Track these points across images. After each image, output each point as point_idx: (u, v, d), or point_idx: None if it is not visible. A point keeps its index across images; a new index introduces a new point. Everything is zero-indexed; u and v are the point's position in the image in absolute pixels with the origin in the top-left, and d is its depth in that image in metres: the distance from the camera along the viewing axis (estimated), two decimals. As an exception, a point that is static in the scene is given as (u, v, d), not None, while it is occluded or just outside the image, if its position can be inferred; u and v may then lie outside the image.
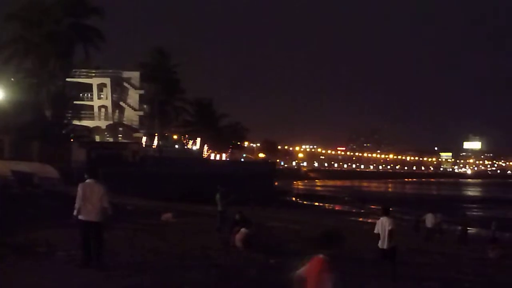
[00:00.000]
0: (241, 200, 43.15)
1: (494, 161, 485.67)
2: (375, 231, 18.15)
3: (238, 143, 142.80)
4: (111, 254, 17.33)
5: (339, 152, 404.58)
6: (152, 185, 69.08)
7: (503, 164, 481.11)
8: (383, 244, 17.87)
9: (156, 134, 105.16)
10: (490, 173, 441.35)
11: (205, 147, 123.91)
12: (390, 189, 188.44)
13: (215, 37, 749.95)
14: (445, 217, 46.67)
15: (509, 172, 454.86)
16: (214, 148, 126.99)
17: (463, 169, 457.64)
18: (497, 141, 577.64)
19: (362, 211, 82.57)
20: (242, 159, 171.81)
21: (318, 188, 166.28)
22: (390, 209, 19.30)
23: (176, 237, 24.88)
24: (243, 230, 22.67)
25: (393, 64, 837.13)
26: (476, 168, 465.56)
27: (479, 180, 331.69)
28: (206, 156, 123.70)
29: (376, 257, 18.48)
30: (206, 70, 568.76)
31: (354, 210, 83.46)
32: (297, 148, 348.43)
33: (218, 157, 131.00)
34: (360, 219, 64.35)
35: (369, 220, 64.00)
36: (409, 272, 19.77)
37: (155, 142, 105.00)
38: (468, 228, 44.00)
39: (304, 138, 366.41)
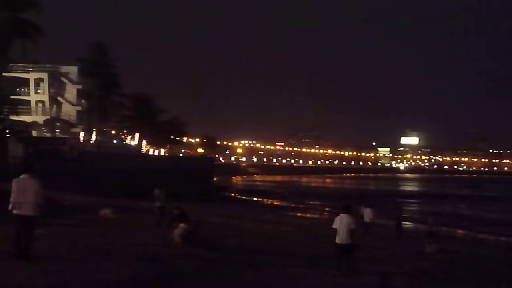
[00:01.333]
0: (179, 195, 43.00)
1: (431, 156, 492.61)
2: (333, 226, 18.45)
3: (177, 138, 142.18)
4: (48, 250, 17.08)
5: (278, 147, 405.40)
6: (90, 181, 68.50)
7: (440, 159, 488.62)
8: (341, 239, 18.21)
9: (94, 129, 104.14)
10: (427, 168, 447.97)
11: (144, 142, 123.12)
12: (329, 184, 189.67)
13: (155, 33, 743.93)
14: (382, 212, 47.16)
15: (446, 167, 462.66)
16: (153, 143, 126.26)
17: (400, 164, 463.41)
18: (434, 136, 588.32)
19: (301, 206, 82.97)
20: (181, 155, 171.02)
21: (257, 184, 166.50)
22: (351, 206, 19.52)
23: (114, 233, 24.65)
24: (182, 225, 22.54)
25: (332, 60, 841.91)
26: (413, 163, 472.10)
27: (416, 175, 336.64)
28: (144, 151, 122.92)
29: (335, 252, 18.72)
30: (145, 65, 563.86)
31: (293, 205, 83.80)
32: (236, 144, 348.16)
33: (157, 153, 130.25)
34: (299, 214, 64.63)
35: (308, 215, 64.43)
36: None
37: (93, 137, 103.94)
38: (403, 223, 44.44)
39: (243, 134, 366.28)
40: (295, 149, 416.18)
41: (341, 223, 18.33)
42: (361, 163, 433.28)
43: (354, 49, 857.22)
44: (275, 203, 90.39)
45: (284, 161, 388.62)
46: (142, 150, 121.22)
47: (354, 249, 18.50)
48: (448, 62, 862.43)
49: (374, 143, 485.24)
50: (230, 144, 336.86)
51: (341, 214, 18.65)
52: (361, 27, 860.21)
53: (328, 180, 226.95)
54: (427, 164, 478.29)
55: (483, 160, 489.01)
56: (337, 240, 18.29)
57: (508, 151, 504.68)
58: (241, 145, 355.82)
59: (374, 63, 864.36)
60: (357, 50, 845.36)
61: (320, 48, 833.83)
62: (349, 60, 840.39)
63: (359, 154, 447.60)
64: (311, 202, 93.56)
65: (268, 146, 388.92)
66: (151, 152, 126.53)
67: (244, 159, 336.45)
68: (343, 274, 17.98)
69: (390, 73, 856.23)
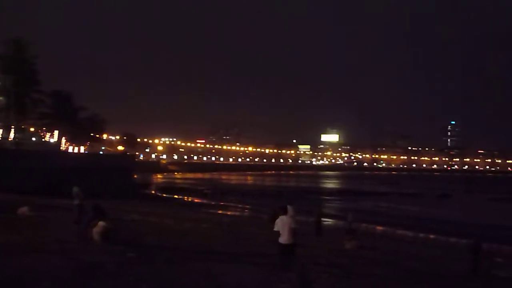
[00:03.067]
0: (99, 193, 42.53)
1: (351, 154, 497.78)
2: (275, 229, 18.87)
3: (97, 135, 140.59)
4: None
5: (199, 145, 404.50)
6: (8, 178, 67.21)
7: (360, 156, 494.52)
8: (284, 240, 18.63)
9: (12, 126, 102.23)
10: (346, 165, 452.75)
11: (63, 140, 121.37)
12: (249, 182, 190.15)
13: (76, 31, 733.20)
14: (303, 209, 47.49)
15: (365, 164, 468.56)
16: (72, 140, 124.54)
17: (321, 161, 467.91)
18: (355, 134, 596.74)
19: (222, 203, 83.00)
20: (101, 152, 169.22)
21: (178, 181, 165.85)
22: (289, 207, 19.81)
23: (32, 231, 24.28)
24: (100, 223, 22.33)
25: (253, 57, 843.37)
26: (333, 161, 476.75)
27: (336, 172, 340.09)
28: (64, 149, 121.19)
29: (277, 251, 18.99)
30: (65, 62, 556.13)
31: (213, 203, 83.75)
32: (156, 141, 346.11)
33: (76, 150, 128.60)
34: (220, 212, 64.67)
35: (229, 213, 64.54)
36: (270, 265, 19.97)
37: (12, 135, 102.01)
38: (323, 220, 44.84)
39: (164, 131, 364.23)
40: (216, 146, 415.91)
41: (282, 224, 18.80)
42: (281, 160, 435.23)
43: (274, 46, 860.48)
44: (196, 200, 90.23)
45: (205, 158, 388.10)
46: (61, 148, 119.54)
47: (296, 248, 18.87)
48: (368, 61, 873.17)
49: (294, 141, 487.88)
50: (150, 141, 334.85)
51: (280, 216, 19.06)
52: (282, 23, 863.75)
53: (248, 177, 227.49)
54: (347, 161, 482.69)
55: (402, 157, 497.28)
56: (281, 240, 18.71)
57: (427, 149, 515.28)
58: (161, 142, 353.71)
59: (295, 60, 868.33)
60: (278, 47, 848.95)
61: (241, 45, 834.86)
62: (270, 56, 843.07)
63: (279, 151, 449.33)
64: (231, 199, 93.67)
65: (189, 144, 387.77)
66: (71, 150, 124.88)
67: (164, 156, 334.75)
68: (284, 271, 18.25)
69: (310, 70, 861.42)
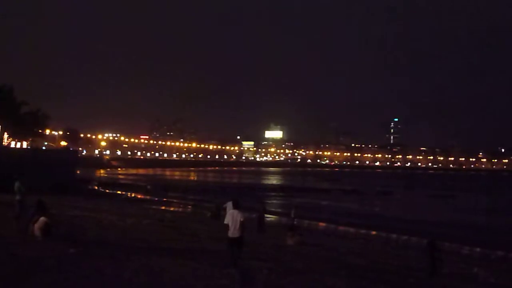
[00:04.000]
0: (40, 188, 42.09)
1: (295, 150, 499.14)
2: (225, 222, 19.37)
3: (40, 131, 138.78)
4: None
5: (142, 140, 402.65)
6: None
7: (303, 153, 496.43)
8: (233, 233, 19.12)
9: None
10: (289, 161, 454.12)
11: (5, 135, 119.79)
12: (192, 178, 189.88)
13: (18, 22, 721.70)
14: (245, 205, 47.52)
15: (309, 160, 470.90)
16: (14, 136, 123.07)
17: (264, 158, 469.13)
18: (298, 130, 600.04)
19: (164, 199, 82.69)
20: (44, 147, 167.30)
21: (121, 177, 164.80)
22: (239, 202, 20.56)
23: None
24: (42, 219, 22.16)
25: (196, 54, 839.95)
26: (277, 157, 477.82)
27: (279, 169, 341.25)
28: (6, 144, 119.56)
29: (226, 245, 19.58)
30: (5, 56, 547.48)
31: (156, 199, 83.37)
32: (99, 137, 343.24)
33: (19, 145, 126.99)
34: (162, 208, 64.43)
35: (171, 209, 64.37)
36: (211, 260, 20.04)
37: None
38: (266, 216, 44.95)
39: (107, 127, 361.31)
40: (160, 142, 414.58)
41: (232, 218, 19.23)
42: (225, 156, 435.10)
43: (217, 42, 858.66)
44: (138, 196, 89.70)
45: (148, 154, 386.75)
46: (3, 143, 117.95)
47: (243, 241, 19.41)
48: (312, 56, 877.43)
49: (238, 137, 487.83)
50: (93, 137, 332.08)
51: (231, 210, 19.73)
52: (220, 19, 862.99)
53: (192, 173, 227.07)
54: (291, 157, 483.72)
55: (345, 154, 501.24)
56: (229, 234, 19.16)
57: (370, 145, 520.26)
58: (104, 138, 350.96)
59: (239, 55, 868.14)
60: (220, 43, 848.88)
61: (185, 41, 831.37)
62: (213, 52, 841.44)
63: (223, 147, 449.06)
64: (174, 195, 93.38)
65: (132, 140, 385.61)
66: (13, 145, 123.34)
67: (107, 152, 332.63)
68: (233, 266, 18.69)
69: (253, 67, 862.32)
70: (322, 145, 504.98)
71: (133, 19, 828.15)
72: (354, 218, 66.12)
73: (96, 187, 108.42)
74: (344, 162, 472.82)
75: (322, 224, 56.79)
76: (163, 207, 65.52)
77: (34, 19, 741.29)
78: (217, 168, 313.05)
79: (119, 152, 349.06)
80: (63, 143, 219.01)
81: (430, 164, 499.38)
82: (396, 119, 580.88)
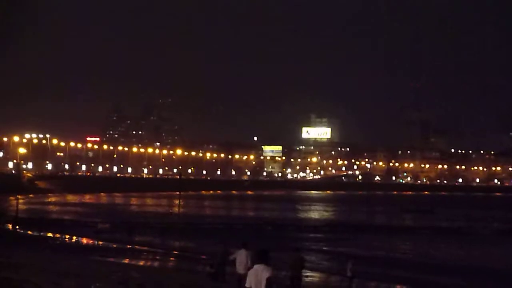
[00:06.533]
0: None
1: (354, 160, 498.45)
2: (247, 285, 19.04)
3: None
4: None
5: (89, 145, 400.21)
6: None
7: (368, 165, 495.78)
8: None
9: None
10: (345, 179, 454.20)
11: None
12: (177, 209, 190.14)
13: None
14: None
15: (377, 178, 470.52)
16: None
17: (301, 174, 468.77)
18: (357, 128, 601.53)
19: (129, 246, 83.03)
20: None
21: (54, 208, 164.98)
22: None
23: None
24: None
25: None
26: (322, 172, 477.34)
27: (327, 193, 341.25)
28: None
29: None
30: None
31: (114, 246, 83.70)
32: (15, 139, 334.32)
33: None
34: (126, 261, 64.69)
35: (141, 263, 64.54)
36: None
37: None
38: (304, 273, 44.87)
39: (30, 124, 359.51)
40: (120, 148, 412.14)
41: (255, 278, 18.92)
42: (233, 172, 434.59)
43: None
44: (84, 242, 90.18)
45: (100, 168, 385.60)
46: None
47: None
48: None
49: (256, 138, 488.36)
50: (4, 139, 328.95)
51: (255, 266, 19.21)
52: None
53: (175, 201, 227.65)
54: (347, 173, 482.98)
55: (440, 166, 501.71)
56: None
57: (482, 152, 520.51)
58: (25, 141, 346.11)
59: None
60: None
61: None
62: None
63: (229, 156, 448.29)
64: (146, 239, 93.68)
65: (72, 144, 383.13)
66: None
67: (30, 165, 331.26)
68: None
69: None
70: (400, 152, 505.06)
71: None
72: (457, 277, 66.15)
73: (11, 227, 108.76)
74: (439, 181, 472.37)
75: (399, 287, 56.95)
76: (126, 261, 65.86)
77: None
78: (219, 192, 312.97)
79: (49, 166, 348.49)
80: None
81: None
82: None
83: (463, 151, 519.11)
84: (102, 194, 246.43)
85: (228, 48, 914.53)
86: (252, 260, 19.57)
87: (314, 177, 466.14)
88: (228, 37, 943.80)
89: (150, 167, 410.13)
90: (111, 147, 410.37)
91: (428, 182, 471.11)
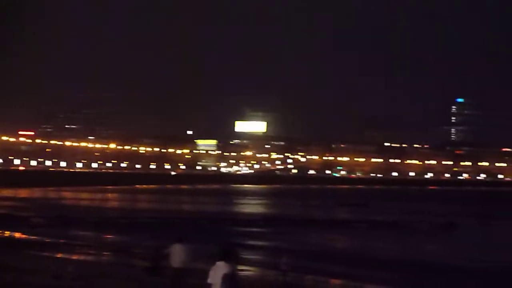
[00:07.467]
0: None
1: (288, 154, 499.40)
2: (209, 281, 19.87)
3: None
4: None
5: (22, 139, 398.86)
6: None
7: (303, 159, 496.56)
8: None
9: None
10: (279, 173, 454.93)
11: None
12: (113, 203, 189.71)
13: None
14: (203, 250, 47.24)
15: (312, 171, 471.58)
16: None
17: (236, 168, 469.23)
18: (292, 122, 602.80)
19: (63, 241, 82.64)
20: None
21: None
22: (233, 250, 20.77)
23: None
24: None
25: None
26: (258, 166, 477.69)
27: (263, 186, 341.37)
28: None
29: None
30: None
31: (48, 240, 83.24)
32: None
33: None
34: (59, 256, 64.30)
35: (75, 257, 64.20)
36: None
37: None
38: (240, 269, 44.67)
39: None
40: (53, 142, 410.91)
41: (216, 275, 19.77)
42: (168, 166, 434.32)
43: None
44: (17, 237, 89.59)
45: (33, 163, 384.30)
46: None
47: None
48: None
49: (190, 132, 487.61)
50: None
51: (217, 263, 19.97)
52: None
53: (111, 195, 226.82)
54: (282, 166, 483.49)
55: (374, 160, 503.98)
56: None
57: (416, 145, 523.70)
58: None
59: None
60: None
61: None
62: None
63: (164, 150, 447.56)
64: (81, 234, 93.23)
65: (4, 138, 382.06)
66: None
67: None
68: None
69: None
70: (334, 146, 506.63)
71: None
72: (391, 270, 66.41)
73: None
74: (374, 174, 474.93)
75: (336, 281, 57.07)
76: (60, 255, 65.44)
77: None
78: (154, 186, 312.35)
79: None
80: None
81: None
82: (460, 100, 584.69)
83: (398, 145, 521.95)
84: (36, 188, 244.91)
85: (165, 42, 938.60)
86: (218, 257, 19.53)
87: (248, 170, 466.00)
88: (163, 31, 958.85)
89: (85, 160, 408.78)
90: (45, 141, 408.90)
91: (362, 175, 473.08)
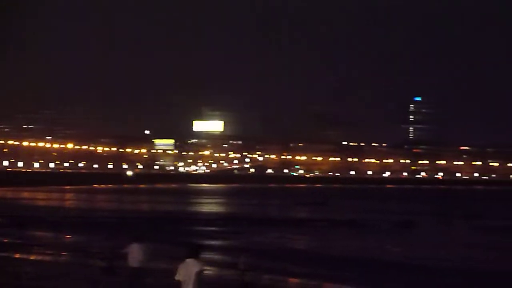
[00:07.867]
0: None
1: (246, 153, 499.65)
2: (176, 278, 19.71)
3: None
4: None
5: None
6: None
7: (260, 158, 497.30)
8: None
9: None
10: (237, 172, 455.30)
11: None
12: (70, 203, 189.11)
13: None
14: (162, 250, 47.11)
15: (270, 170, 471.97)
16: None
17: (194, 167, 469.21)
18: (249, 121, 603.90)
19: (19, 241, 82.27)
20: None
21: None
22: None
23: None
24: None
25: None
26: (215, 165, 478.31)
27: (221, 186, 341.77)
28: None
29: None
30: None
31: (5, 241, 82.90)
32: None
33: None
34: (16, 256, 64.02)
35: (32, 257, 63.86)
36: None
37: None
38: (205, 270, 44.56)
39: None
40: (10, 142, 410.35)
41: (187, 272, 19.56)
42: (125, 166, 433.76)
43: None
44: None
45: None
46: None
47: None
48: None
49: (147, 132, 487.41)
50: None
51: (186, 260, 19.85)
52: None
53: (68, 195, 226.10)
54: (239, 165, 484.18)
55: (333, 159, 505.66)
56: None
57: (374, 144, 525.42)
58: None
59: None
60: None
61: None
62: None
63: (122, 149, 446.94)
64: (38, 234, 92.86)
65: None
66: None
67: None
68: None
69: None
70: (292, 145, 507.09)
71: None
72: (351, 269, 66.44)
73: None
74: (332, 173, 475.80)
75: (294, 280, 56.99)
76: (17, 255, 65.16)
77: None
78: (111, 185, 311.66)
79: None
80: None
81: (477, 174, 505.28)
82: (418, 99, 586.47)
83: (356, 144, 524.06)
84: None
85: (126, 41, 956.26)
86: (187, 254, 19.50)
87: (206, 170, 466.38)
88: (120, 30, 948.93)
89: (42, 160, 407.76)
90: (2, 141, 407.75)
91: (321, 174, 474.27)
